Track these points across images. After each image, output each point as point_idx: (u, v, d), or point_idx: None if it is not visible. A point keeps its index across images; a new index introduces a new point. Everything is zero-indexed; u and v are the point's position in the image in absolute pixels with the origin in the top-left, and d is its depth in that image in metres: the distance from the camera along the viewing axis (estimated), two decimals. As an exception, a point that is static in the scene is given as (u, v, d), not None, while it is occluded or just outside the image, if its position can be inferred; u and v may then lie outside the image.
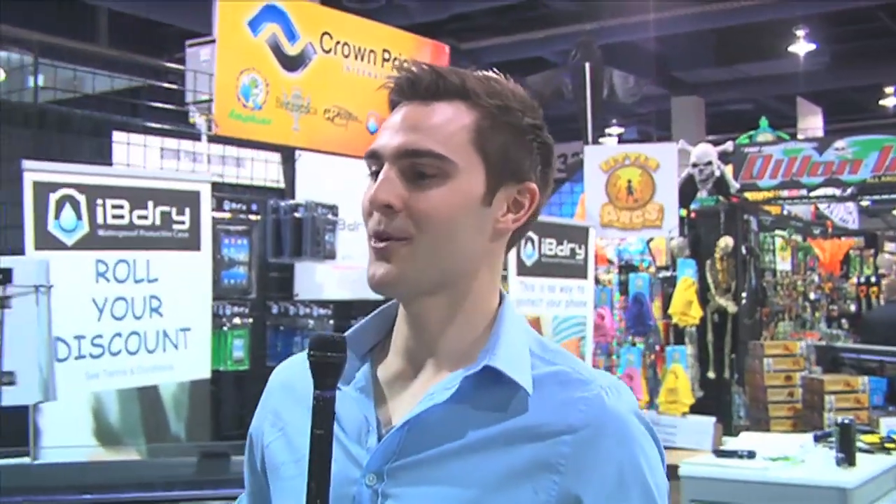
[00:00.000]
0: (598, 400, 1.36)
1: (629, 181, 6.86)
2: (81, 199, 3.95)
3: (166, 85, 5.37)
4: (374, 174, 1.41)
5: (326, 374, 1.28)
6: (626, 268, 7.27)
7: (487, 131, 1.40)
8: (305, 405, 1.32)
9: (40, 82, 5.10)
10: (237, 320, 4.76)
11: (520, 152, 1.43)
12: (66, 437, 3.90)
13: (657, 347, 6.96)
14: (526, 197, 1.44)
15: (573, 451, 1.33)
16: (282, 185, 5.34)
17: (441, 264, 1.38)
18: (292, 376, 1.54)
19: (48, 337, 3.50)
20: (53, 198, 3.87)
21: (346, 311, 5.37)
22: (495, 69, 1.49)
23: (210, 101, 5.04)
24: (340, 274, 5.36)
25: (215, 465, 2.79)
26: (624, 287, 7.11)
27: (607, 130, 17.95)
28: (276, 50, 5.33)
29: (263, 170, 5.25)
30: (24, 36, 5.71)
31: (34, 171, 3.83)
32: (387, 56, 6.00)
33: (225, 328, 4.70)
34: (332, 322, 5.17)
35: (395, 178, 1.38)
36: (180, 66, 5.30)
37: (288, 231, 4.97)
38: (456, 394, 1.35)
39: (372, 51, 5.92)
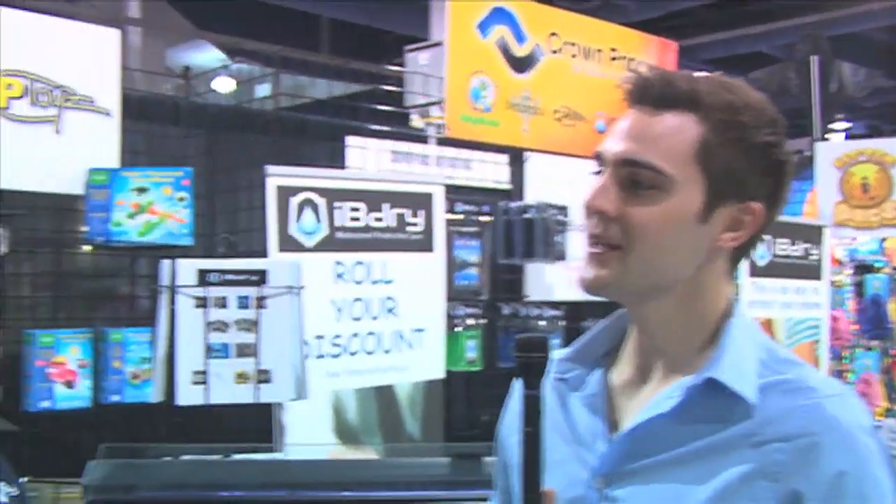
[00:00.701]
0: (817, 409, 1.32)
1: (865, 178, 6.55)
2: (321, 202, 4.04)
3: (391, 88, 5.44)
4: (598, 174, 1.42)
5: (531, 374, 1.31)
6: (862, 268, 6.94)
7: (713, 147, 1.36)
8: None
9: (269, 91, 5.27)
10: (470, 321, 4.78)
11: (746, 170, 1.39)
12: (307, 434, 3.99)
13: (892, 352, 6.63)
14: (748, 216, 1.41)
15: (790, 458, 1.30)
16: (509, 186, 5.34)
17: (652, 276, 1.38)
18: None
19: (300, 337, 3.60)
20: (294, 201, 3.98)
21: (576, 312, 5.32)
22: (715, 67, 1.42)
23: (433, 104, 5.10)
24: (571, 275, 5.32)
25: (468, 466, 2.80)
26: (858, 288, 6.80)
27: (834, 126, 17.24)
28: (505, 52, 5.34)
29: (491, 171, 5.26)
30: (260, 48, 5.90)
31: (277, 176, 3.94)
32: (614, 55, 5.93)
33: (458, 329, 4.72)
34: (562, 323, 5.13)
35: (613, 185, 1.38)
36: (401, 69, 5.37)
37: (519, 232, 4.96)
38: (679, 404, 1.35)
39: (599, 50, 5.86)
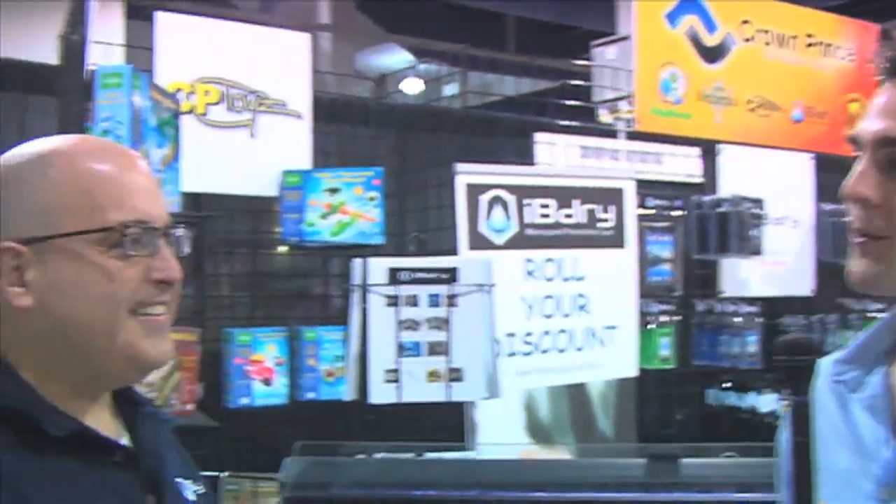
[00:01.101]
0: None
1: None
2: (510, 199, 4.01)
3: (579, 83, 5.37)
4: (856, 159, 1.27)
5: (797, 378, 1.22)
6: None
7: None
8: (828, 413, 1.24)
9: (455, 90, 5.26)
10: (663, 318, 4.66)
11: None
12: (499, 433, 3.96)
13: None
14: None
15: None
16: (701, 179, 5.19)
17: None
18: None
19: (492, 335, 3.57)
20: (484, 199, 3.96)
21: (773, 308, 5.12)
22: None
23: (622, 98, 5.00)
24: (767, 270, 5.13)
25: (663, 468, 2.71)
26: None
27: None
28: (696, 42, 5.19)
29: (682, 165, 5.12)
30: (447, 48, 5.92)
31: (466, 174, 3.93)
32: (810, 41, 5.69)
33: (651, 326, 4.61)
34: (759, 320, 4.95)
35: (872, 169, 1.23)
36: (589, 64, 5.28)
37: (713, 226, 4.81)
38: None
39: (794, 36, 5.63)
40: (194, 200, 4.08)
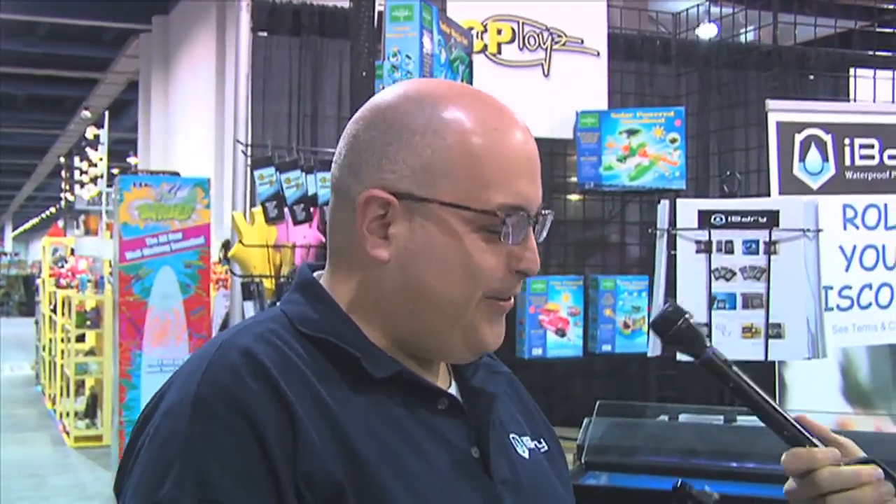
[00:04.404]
0: None
1: None
2: (828, 139, 3.66)
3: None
4: None
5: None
6: None
7: None
8: None
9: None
10: None
11: None
12: (811, 397, 3.64)
13: None
14: None
15: None
16: None
17: None
18: None
19: (817, 287, 3.24)
20: (798, 139, 3.62)
21: None
22: None
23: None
24: None
25: None
26: None
27: None
28: None
29: None
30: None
31: (779, 112, 3.60)
32: None
33: None
34: None
35: None
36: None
37: None
38: None
39: None
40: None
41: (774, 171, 3.58)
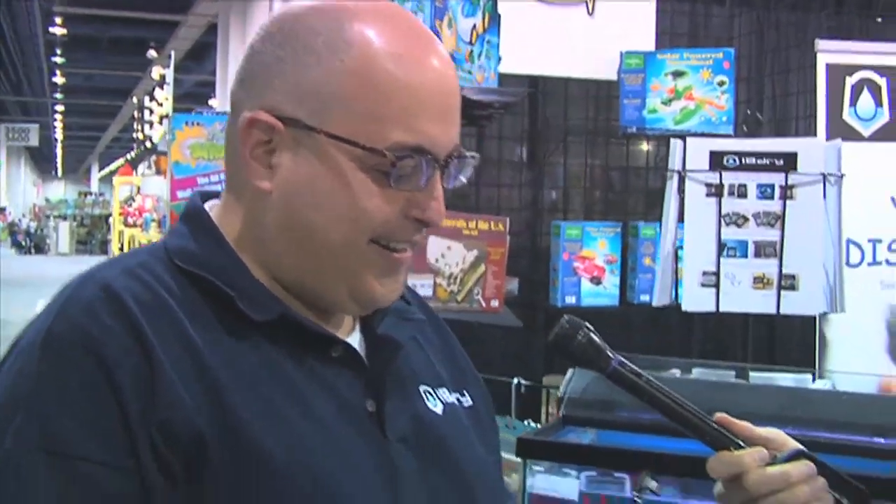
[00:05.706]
0: None
1: None
2: (882, 82, 3.46)
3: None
4: None
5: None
6: None
7: None
8: None
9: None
10: None
11: None
12: (853, 356, 3.46)
13: None
14: None
15: None
16: None
17: None
18: None
19: (837, 236, 3.04)
20: (850, 82, 3.43)
21: None
22: None
23: None
24: None
25: None
26: None
27: None
28: None
29: None
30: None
31: (829, 53, 3.41)
32: None
33: None
34: None
35: None
36: None
37: None
38: None
39: None
40: (531, 83, 3.91)
41: (822, 116, 3.41)
